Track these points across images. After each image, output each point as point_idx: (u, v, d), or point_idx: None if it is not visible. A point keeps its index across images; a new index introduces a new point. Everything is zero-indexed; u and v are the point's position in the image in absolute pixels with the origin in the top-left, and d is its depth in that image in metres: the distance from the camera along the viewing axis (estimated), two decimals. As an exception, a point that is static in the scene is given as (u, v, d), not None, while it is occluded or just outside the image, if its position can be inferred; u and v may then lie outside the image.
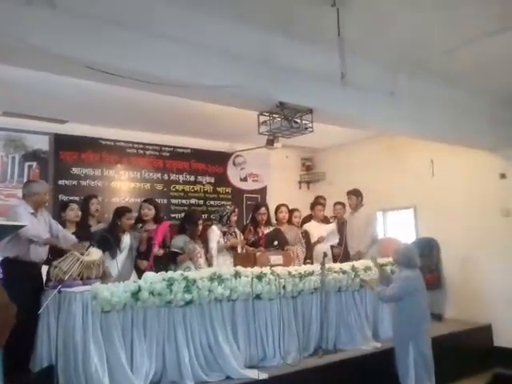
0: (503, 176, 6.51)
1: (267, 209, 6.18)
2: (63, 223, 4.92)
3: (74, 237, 4.69)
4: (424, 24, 4.24)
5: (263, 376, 4.14)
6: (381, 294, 4.62)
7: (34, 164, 6.36)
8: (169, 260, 5.14)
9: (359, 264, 5.52)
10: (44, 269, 4.60)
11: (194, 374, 4.01)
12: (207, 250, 5.51)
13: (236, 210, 5.94)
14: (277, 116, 4.65)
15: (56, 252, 4.49)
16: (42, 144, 6.44)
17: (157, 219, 5.53)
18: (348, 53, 4.10)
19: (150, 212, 5.46)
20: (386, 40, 4.52)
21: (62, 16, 3.29)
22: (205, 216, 6.66)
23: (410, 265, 4.60)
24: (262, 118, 4.75)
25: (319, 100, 4.65)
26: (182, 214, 6.67)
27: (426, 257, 6.21)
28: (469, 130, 5.93)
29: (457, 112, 5.74)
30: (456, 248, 6.60)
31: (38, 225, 4.43)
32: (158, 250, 5.16)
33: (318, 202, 7.09)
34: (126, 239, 5.12)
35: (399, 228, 7.81)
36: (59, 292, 3.80)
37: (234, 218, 5.78)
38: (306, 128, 4.73)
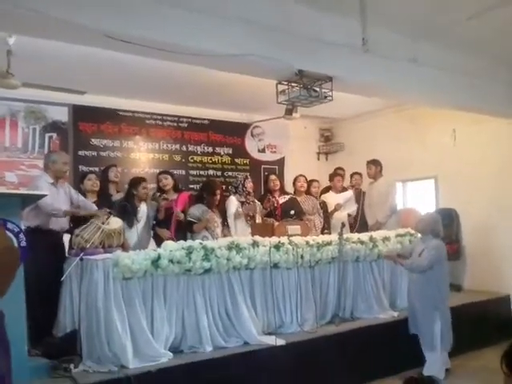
0: (525, 145, 6.37)
1: (280, 178, 6.22)
2: (83, 194, 4.99)
3: (94, 205, 4.77)
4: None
5: (280, 342, 4.20)
6: (413, 265, 4.64)
7: (54, 135, 6.44)
8: (185, 229, 5.20)
9: (377, 234, 5.50)
10: (66, 237, 4.70)
11: (213, 339, 4.10)
12: (225, 220, 5.55)
13: (248, 176, 6.01)
14: (295, 85, 4.59)
15: (77, 221, 4.58)
16: (62, 115, 6.49)
17: (176, 189, 5.58)
18: (369, 19, 4.01)
19: (167, 181, 5.50)
20: (408, 6, 4.40)
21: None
22: (223, 187, 6.70)
23: (436, 234, 4.67)
24: (281, 87, 4.69)
25: (339, 68, 4.58)
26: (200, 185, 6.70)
27: (445, 227, 6.09)
28: (490, 98, 5.82)
29: (477, 80, 5.62)
30: (476, 218, 6.53)
31: (57, 196, 4.49)
32: (179, 213, 5.19)
33: (336, 172, 7.08)
34: (143, 208, 5.18)
35: (419, 198, 7.74)
36: (81, 260, 3.89)
37: (249, 185, 5.82)
38: (325, 97, 4.67)
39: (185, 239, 4.48)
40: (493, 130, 6.58)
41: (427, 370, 4.50)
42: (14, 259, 1.38)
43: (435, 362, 4.54)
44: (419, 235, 5.08)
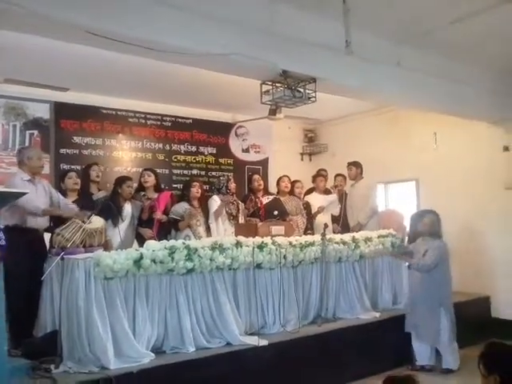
0: (506, 149, 6.47)
1: (264, 179, 6.26)
2: (64, 192, 4.92)
3: (75, 206, 4.69)
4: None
5: (263, 343, 4.21)
6: (419, 264, 4.88)
7: (36, 132, 6.33)
8: (169, 227, 5.19)
9: (359, 235, 5.55)
10: (47, 236, 4.63)
11: (196, 340, 4.09)
12: (207, 220, 5.54)
13: (231, 177, 6.03)
14: (279, 85, 4.60)
15: (58, 219, 4.52)
16: (43, 112, 6.38)
17: (157, 188, 5.57)
18: (353, 22, 4.03)
19: (149, 179, 5.50)
20: (392, 10, 4.43)
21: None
22: (206, 187, 6.69)
23: (438, 234, 5.00)
24: (265, 88, 4.71)
25: (323, 69, 4.60)
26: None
27: (426, 229, 6.22)
28: (472, 102, 5.90)
29: (460, 84, 5.70)
30: (457, 221, 6.61)
31: (36, 193, 4.41)
32: (160, 215, 5.20)
33: (319, 173, 7.12)
34: (128, 208, 5.16)
35: (401, 200, 7.82)
36: (62, 259, 3.84)
37: (232, 185, 5.85)
38: (309, 97, 4.70)
39: (166, 238, 4.46)
40: (474, 133, 6.67)
41: (445, 364, 4.87)
42: None
43: (450, 355, 4.85)
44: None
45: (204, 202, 5.67)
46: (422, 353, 4.94)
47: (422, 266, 4.88)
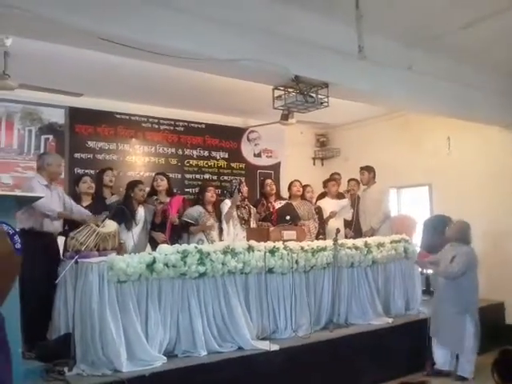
0: (518, 153, 6.42)
1: (276, 183, 6.27)
2: (78, 196, 4.98)
3: (87, 211, 4.73)
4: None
5: (274, 347, 4.20)
6: (447, 272, 4.80)
7: (51, 137, 6.42)
8: (181, 230, 5.22)
9: (372, 240, 5.52)
10: (61, 240, 4.69)
11: (207, 344, 4.09)
12: (220, 224, 5.57)
13: (243, 181, 6.06)
14: (292, 90, 4.61)
15: (73, 223, 4.57)
16: (58, 117, 6.48)
17: (170, 192, 5.60)
18: (365, 27, 4.03)
19: (162, 183, 5.54)
20: (404, 14, 4.43)
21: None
22: (218, 191, 6.72)
23: (466, 240, 4.92)
24: (277, 93, 4.72)
25: (335, 74, 4.61)
26: (196, 189, 6.72)
27: (440, 235, 6.17)
28: (482, 106, 5.88)
29: (470, 88, 5.68)
30: (471, 225, 6.55)
31: (51, 198, 4.48)
32: (174, 218, 5.23)
33: (332, 178, 7.11)
34: (141, 211, 5.21)
35: (413, 205, 7.77)
36: (76, 262, 3.87)
37: (244, 189, 5.88)
38: (321, 103, 4.70)
39: (180, 242, 4.49)
40: (486, 137, 6.63)
41: (461, 371, 4.77)
42: (15, 265, 1.35)
43: (468, 363, 4.76)
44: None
45: (218, 206, 5.70)
46: (441, 357, 4.88)
47: (449, 274, 4.78)
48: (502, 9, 4.25)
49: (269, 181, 6.35)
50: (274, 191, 6.21)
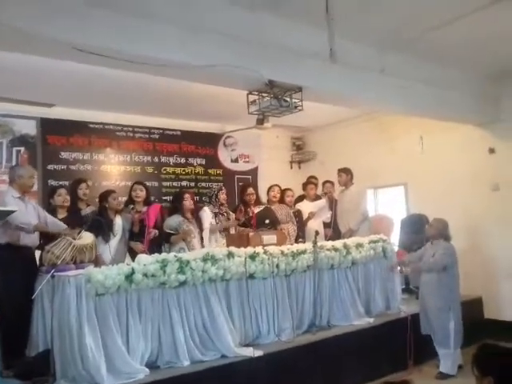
0: (492, 151, 6.55)
1: (255, 189, 6.23)
2: (53, 209, 4.87)
3: (62, 223, 4.64)
4: (412, 0, 4.22)
5: (258, 353, 4.17)
6: (431, 264, 4.95)
7: (22, 149, 6.29)
8: (163, 240, 5.17)
9: (351, 241, 5.56)
10: (37, 254, 4.59)
11: (190, 353, 4.04)
12: (201, 231, 5.53)
13: (223, 187, 6.03)
14: (266, 95, 4.63)
15: (48, 236, 4.48)
16: (30, 128, 6.35)
17: (147, 202, 5.54)
18: (337, 30, 4.06)
19: (141, 193, 5.46)
20: (376, 18, 4.48)
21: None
22: (197, 198, 6.67)
23: (447, 237, 5.07)
24: (252, 98, 4.73)
25: (308, 78, 4.63)
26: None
27: (417, 233, 6.26)
28: (457, 105, 5.98)
29: (445, 88, 5.76)
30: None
31: (26, 210, 4.39)
32: (154, 234, 5.18)
33: (309, 181, 7.13)
34: (118, 221, 5.12)
35: (390, 205, 7.87)
36: (52, 276, 3.80)
37: (222, 196, 5.83)
38: (295, 106, 4.73)
39: (160, 252, 4.44)
40: (460, 136, 6.75)
41: (442, 367, 4.90)
42: None
43: (449, 359, 4.88)
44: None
45: (197, 213, 5.65)
46: (445, 359, 4.96)
47: (433, 264, 4.93)
48: (472, 10, 4.33)
49: (250, 190, 6.15)
50: (253, 200, 6.14)
